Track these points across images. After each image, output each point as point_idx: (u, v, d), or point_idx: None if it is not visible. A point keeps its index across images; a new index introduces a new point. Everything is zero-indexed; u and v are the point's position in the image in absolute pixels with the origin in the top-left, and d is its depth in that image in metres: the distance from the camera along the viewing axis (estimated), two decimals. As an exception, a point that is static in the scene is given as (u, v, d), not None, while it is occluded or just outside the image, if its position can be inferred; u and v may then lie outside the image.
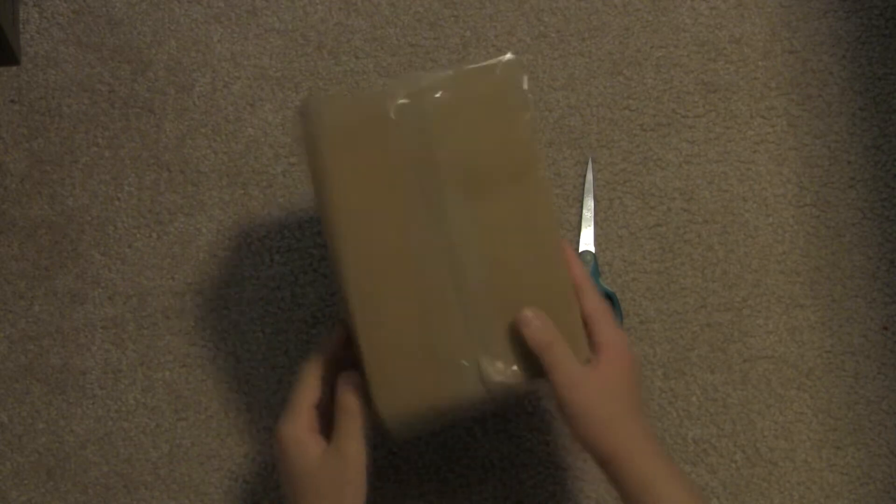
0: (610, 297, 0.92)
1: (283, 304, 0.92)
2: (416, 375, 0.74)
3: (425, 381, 0.74)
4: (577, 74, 0.97)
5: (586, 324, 0.76)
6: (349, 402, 0.74)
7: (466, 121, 0.75)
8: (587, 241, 0.93)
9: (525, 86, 0.75)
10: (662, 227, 0.94)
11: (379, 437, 0.76)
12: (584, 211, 0.94)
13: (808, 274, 0.93)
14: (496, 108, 0.75)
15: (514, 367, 0.75)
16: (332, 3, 0.98)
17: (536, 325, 0.74)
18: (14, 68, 0.96)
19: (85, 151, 0.95)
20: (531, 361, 0.75)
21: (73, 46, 0.96)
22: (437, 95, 0.74)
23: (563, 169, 0.95)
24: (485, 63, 0.75)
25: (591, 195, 0.94)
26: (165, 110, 0.95)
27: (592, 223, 0.94)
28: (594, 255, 0.93)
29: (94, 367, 0.91)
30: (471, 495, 0.89)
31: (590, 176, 0.95)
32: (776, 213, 0.94)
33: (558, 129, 0.96)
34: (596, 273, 0.92)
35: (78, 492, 0.89)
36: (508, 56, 0.75)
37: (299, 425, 0.75)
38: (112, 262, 0.93)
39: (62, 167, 0.94)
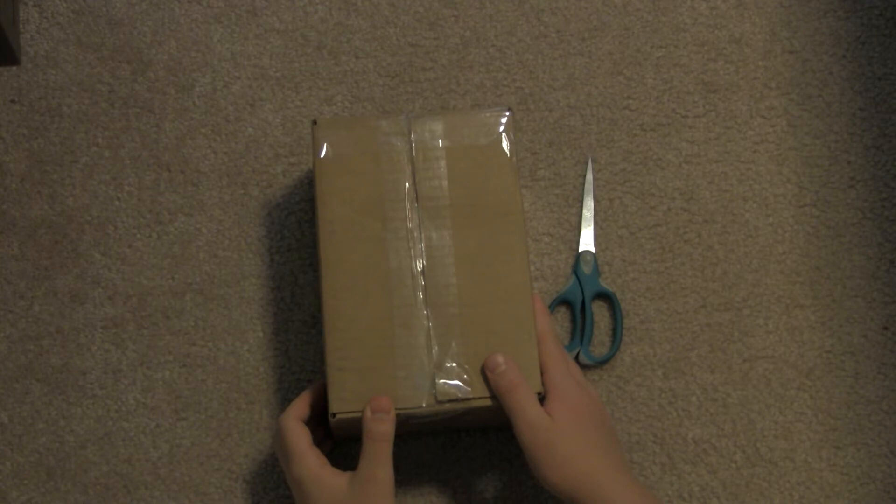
0: (610, 297, 0.92)
1: (283, 304, 0.92)
2: (371, 383, 0.79)
3: (379, 390, 0.79)
4: (577, 74, 0.97)
5: (542, 370, 0.80)
6: (379, 429, 0.77)
7: (454, 161, 0.83)
8: (587, 241, 0.93)
9: (512, 137, 0.84)
10: (662, 227, 0.94)
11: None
12: (584, 211, 0.94)
13: (808, 274, 0.93)
14: (484, 153, 0.83)
15: (469, 389, 0.80)
16: (332, 3, 0.98)
17: (503, 369, 0.79)
18: (14, 68, 0.96)
19: (85, 151, 0.95)
20: (486, 386, 0.80)
21: (73, 46, 0.96)
22: (427, 136, 0.83)
23: (563, 169, 0.95)
24: (479, 113, 0.84)
25: (591, 195, 0.94)
26: (165, 110, 0.95)
27: (592, 223, 0.94)
28: (594, 255, 0.93)
29: (94, 367, 0.91)
30: (471, 495, 0.89)
31: (590, 176, 0.95)
32: (776, 213, 0.94)
33: (558, 129, 0.96)
34: (596, 273, 0.92)
35: (78, 492, 0.89)
36: (500, 109, 0.85)
37: (312, 462, 0.79)
38: (112, 262, 0.93)
39: (62, 167, 0.94)
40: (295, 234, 0.93)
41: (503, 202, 0.83)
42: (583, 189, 0.95)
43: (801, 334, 0.92)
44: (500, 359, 0.79)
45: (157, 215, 0.94)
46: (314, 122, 0.84)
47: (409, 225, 0.82)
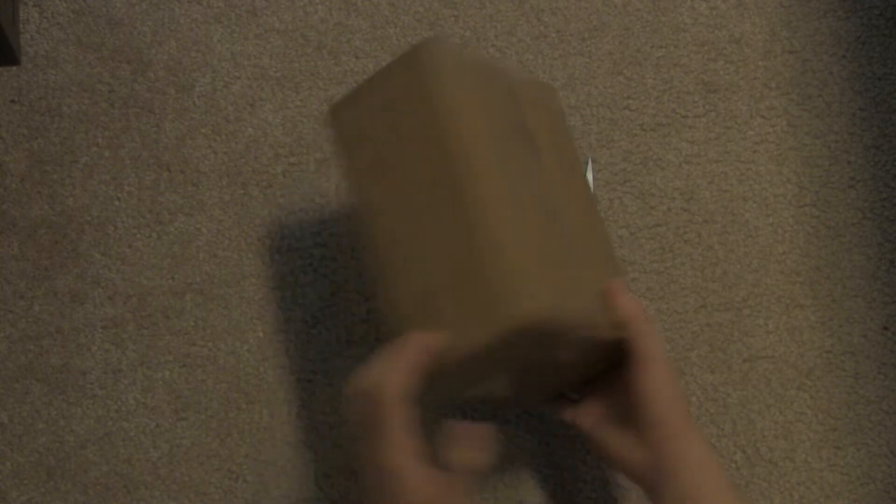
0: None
1: (283, 304, 0.92)
2: (555, 280, 0.71)
3: (564, 287, 0.72)
4: (577, 74, 0.97)
5: (628, 327, 0.77)
6: (466, 458, 0.69)
7: (539, 106, 0.81)
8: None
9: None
10: (662, 227, 0.94)
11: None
12: (585, 211, 0.94)
13: (808, 274, 0.93)
14: (548, 103, 0.84)
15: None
16: (332, 3, 0.98)
17: (629, 296, 0.77)
18: (14, 68, 0.96)
19: (85, 151, 0.95)
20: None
21: (73, 46, 0.96)
22: (507, 75, 0.80)
23: (563, 169, 0.95)
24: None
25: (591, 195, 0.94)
26: (165, 110, 0.95)
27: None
28: (594, 255, 0.93)
29: (94, 367, 0.91)
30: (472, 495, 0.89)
31: (590, 176, 0.95)
32: (776, 213, 0.94)
33: (558, 129, 0.96)
34: (596, 273, 0.92)
35: (78, 492, 0.89)
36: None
37: (410, 450, 0.67)
38: (112, 262, 0.93)
39: (62, 167, 0.94)
40: (295, 234, 0.93)
41: (569, 150, 0.84)
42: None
43: (801, 334, 0.92)
44: (622, 284, 0.78)
45: (157, 215, 0.94)
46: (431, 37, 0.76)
47: (530, 153, 0.77)
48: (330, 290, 0.92)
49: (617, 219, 0.94)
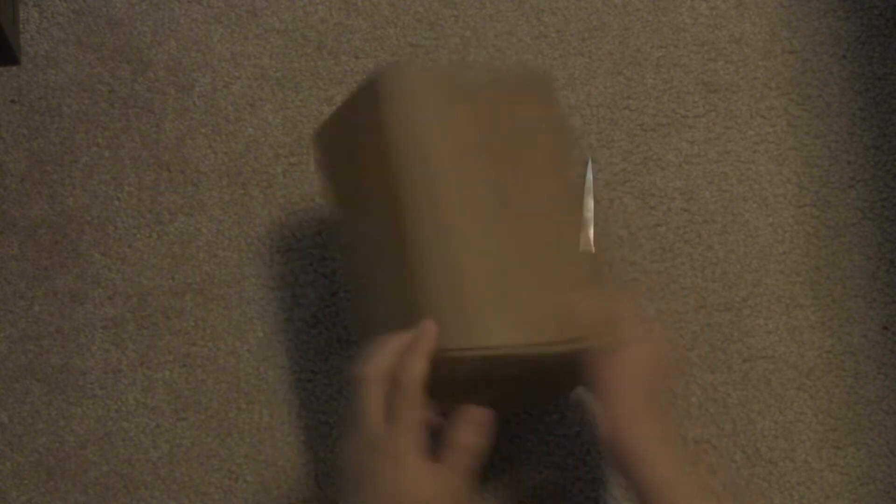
0: (610, 297, 0.92)
1: (283, 304, 0.92)
2: (521, 311, 0.72)
3: (526, 318, 0.72)
4: (577, 74, 0.97)
5: (619, 323, 0.76)
6: (468, 440, 0.70)
7: (523, 106, 0.79)
8: (587, 241, 0.93)
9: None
10: (662, 227, 0.94)
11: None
12: (584, 211, 0.94)
13: (808, 274, 0.93)
14: (534, 97, 0.80)
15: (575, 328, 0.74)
16: (332, 3, 0.98)
17: (614, 303, 0.76)
18: (14, 68, 0.96)
19: (85, 151, 0.95)
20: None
21: (73, 46, 0.96)
22: (485, 81, 0.79)
23: (563, 169, 0.95)
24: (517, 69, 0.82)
25: (591, 195, 0.94)
26: (165, 110, 0.95)
27: (592, 223, 0.94)
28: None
29: (94, 367, 0.91)
30: (471, 495, 0.89)
31: (590, 176, 0.95)
32: (776, 213, 0.94)
33: (558, 129, 0.96)
34: (596, 273, 0.92)
35: (78, 492, 0.89)
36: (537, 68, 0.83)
37: (417, 443, 0.68)
38: (112, 262, 0.93)
39: (62, 167, 0.94)
40: (295, 234, 0.93)
41: (562, 144, 0.81)
42: (583, 189, 0.95)
43: (801, 334, 0.92)
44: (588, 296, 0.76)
45: (157, 215, 0.94)
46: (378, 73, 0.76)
47: (495, 163, 0.76)
48: (330, 290, 0.92)
49: (617, 219, 0.94)
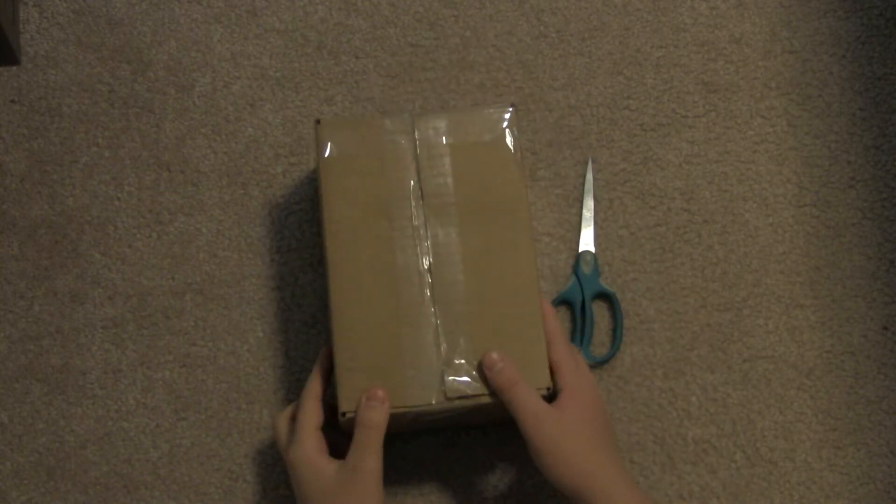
0: (610, 298, 0.92)
1: (283, 304, 0.92)
2: (380, 382, 0.79)
3: (389, 388, 0.78)
4: (577, 74, 0.97)
5: (554, 370, 0.80)
6: (370, 416, 0.77)
7: (459, 158, 0.83)
8: (587, 241, 0.93)
9: (516, 133, 0.83)
10: (662, 227, 0.94)
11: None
12: (584, 211, 0.94)
13: (808, 274, 0.93)
14: (488, 150, 0.83)
15: (478, 385, 0.79)
16: (332, 3, 0.98)
17: (500, 367, 0.79)
18: (14, 68, 0.96)
19: (85, 151, 0.95)
20: (485, 384, 0.80)
21: (73, 46, 0.96)
22: (431, 133, 0.83)
23: (563, 169, 0.95)
24: (482, 110, 0.84)
25: (591, 195, 0.94)
26: (165, 110, 0.95)
27: (592, 223, 0.94)
28: (594, 255, 0.93)
29: (94, 367, 0.91)
30: (471, 495, 0.89)
31: (590, 176, 0.95)
32: (776, 213, 0.94)
33: (558, 129, 0.96)
34: (596, 273, 0.92)
35: (78, 492, 0.89)
36: (502, 106, 0.84)
37: (309, 447, 0.78)
38: (112, 262, 0.93)
39: (62, 167, 0.94)
40: (295, 234, 0.93)
41: (509, 198, 0.82)
42: (583, 189, 0.95)
43: (801, 334, 0.92)
44: (496, 356, 0.79)
45: (157, 215, 0.94)
46: (317, 122, 0.83)
47: (416, 223, 0.81)
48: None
49: (617, 219, 0.94)
